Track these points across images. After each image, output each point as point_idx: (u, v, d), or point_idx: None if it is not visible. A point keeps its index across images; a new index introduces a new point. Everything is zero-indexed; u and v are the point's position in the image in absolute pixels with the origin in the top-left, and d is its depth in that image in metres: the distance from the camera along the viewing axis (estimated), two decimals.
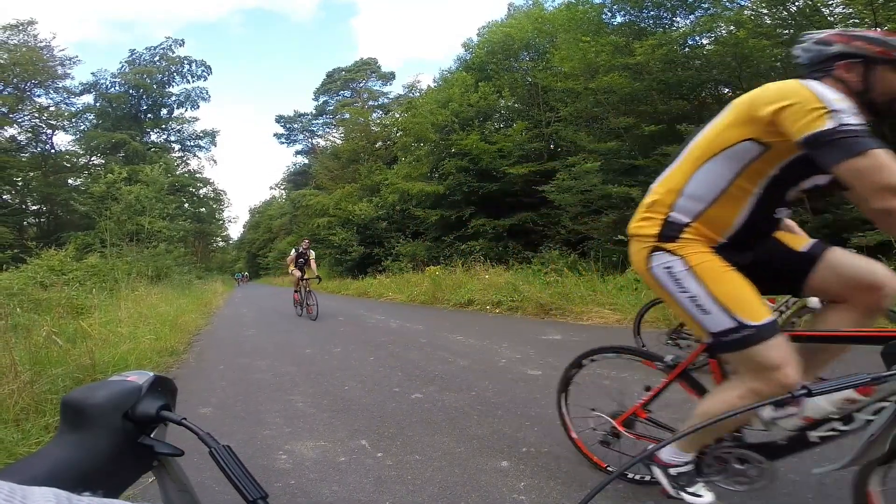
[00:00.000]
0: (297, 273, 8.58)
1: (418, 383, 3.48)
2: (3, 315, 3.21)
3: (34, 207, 27.77)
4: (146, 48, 31.49)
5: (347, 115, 27.97)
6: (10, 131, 25.82)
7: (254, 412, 3.04)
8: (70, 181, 27.52)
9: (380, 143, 24.21)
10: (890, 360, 0.62)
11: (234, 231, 58.65)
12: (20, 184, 26.66)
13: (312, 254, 8.97)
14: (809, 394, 0.50)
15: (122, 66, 30.31)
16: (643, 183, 8.45)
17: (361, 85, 35.83)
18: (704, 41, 8.83)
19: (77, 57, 30.69)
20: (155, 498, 0.52)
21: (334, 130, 35.27)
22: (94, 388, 0.46)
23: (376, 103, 33.73)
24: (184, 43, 31.66)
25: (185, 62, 31.57)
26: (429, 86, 22.14)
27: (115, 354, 4.00)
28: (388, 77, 36.25)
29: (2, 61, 24.19)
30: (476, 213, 13.50)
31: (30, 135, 27.28)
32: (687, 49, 8.82)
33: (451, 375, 3.66)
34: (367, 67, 36.16)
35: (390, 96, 34.28)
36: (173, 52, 31.29)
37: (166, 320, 6.94)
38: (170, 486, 0.50)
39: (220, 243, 45.74)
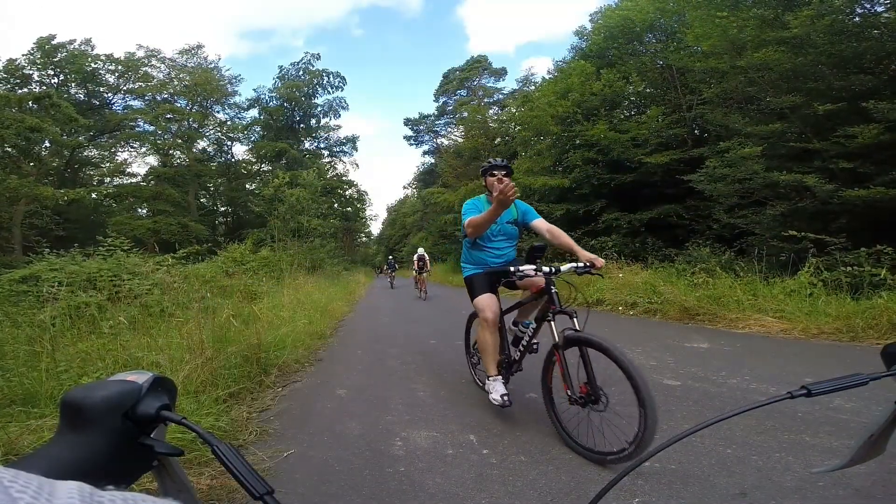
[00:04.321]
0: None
1: (534, 383, 3.38)
2: (199, 299, 4.07)
3: (222, 208, 34.47)
4: (291, 64, 36.25)
5: (466, 114, 28.62)
6: (201, 144, 32.34)
7: (381, 397, 3.29)
8: (247, 186, 33.40)
9: (498, 139, 24.23)
10: (890, 360, 0.57)
11: (375, 228, 64.79)
12: (212, 189, 33.33)
13: (427, 257, 13.25)
14: (809, 394, 0.53)
15: (276, 82, 35.43)
16: (820, 169, 6.97)
17: (476, 83, 36.51)
18: (879, 8, 7.15)
19: (241, 75, 36.72)
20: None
21: (455, 130, 36.44)
22: (94, 387, 0.45)
23: (492, 100, 34.03)
24: (320, 57, 35.90)
25: (324, 74, 35.68)
26: (543, 77, 21.43)
27: (276, 336, 4.68)
28: (501, 73, 36.70)
29: (186, 83, 30.28)
30: (608, 206, 12.61)
31: (215, 146, 33.81)
32: (858, 18, 7.19)
33: None
34: (479, 65, 36.93)
35: (504, 92, 34.49)
36: (313, 66, 35.60)
37: (318, 307, 7.88)
38: (169, 485, 0.49)
39: (364, 239, 50.99)
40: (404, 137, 43.24)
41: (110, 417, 0.44)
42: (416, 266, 13.25)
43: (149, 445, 0.46)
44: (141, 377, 0.49)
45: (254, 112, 35.29)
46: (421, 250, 13.61)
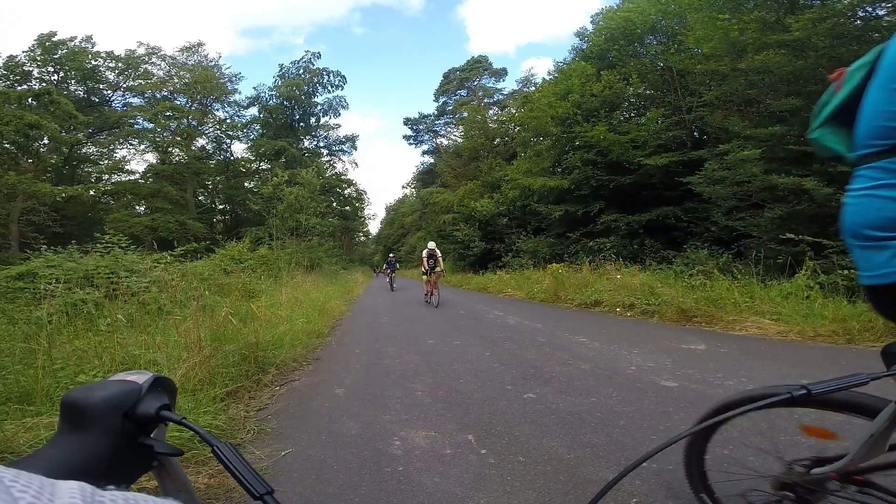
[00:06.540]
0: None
1: (532, 383, 3.39)
2: (197, 297, 4.06)
3: (220, 206, 34.50)
4: (291, 62, 36.53)
5: (465, 114, 28.79)
6: (200, 142, 32.35)
7: (379, 396, 3.28)
8: (245, 184, 33.42)
9: (498, 140, 24.35)
10: (890, 360, 0.57)
11: (373, 227, 64.81)
12: (210, 186, 33.32)
13: (438, 253, 10.76)
14: (809, 394, 0.51)
15: (276, 80, 35.50)
16: (819, 172, 7.03)
17: (476, 83, 36.82)
18: (881, 12, 7.25)
19: (241, 73, 36.76)
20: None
21: (455, 129, 36.64)
22: (95, 387, 0.45)
23: (492, 100, 34.40)
24: (321, 55, 35.99)
25: (325, 73, 35.74)
26: (544, 78, 21.70)
27: (275, 334, 4.68)
28: (501, 73, 37.21)
29: (186, 80, 30.29)
30: (606, 207, 12.64)
31: (214, 144, 33.84)
32: (859, 21, 7.28)
33: (569, 378, 3.49)
34: (479, 66, 37.46)
35: (504, 92, 35.09)
36: (313, 65, 35.68)
37: (316, 305, 7.89)
38: (169, 485, 0.50)
39: (362, 238, 51.03)
40: (404, 137, 43.42)
41: (111, 417, 0.44)
42: (425, 265, 10.53)
43: (149, 445, 0.46)
44: (141, 377, 0.49)
45: (253, 110, 35.43)
46: (432, 245, 11.02)
